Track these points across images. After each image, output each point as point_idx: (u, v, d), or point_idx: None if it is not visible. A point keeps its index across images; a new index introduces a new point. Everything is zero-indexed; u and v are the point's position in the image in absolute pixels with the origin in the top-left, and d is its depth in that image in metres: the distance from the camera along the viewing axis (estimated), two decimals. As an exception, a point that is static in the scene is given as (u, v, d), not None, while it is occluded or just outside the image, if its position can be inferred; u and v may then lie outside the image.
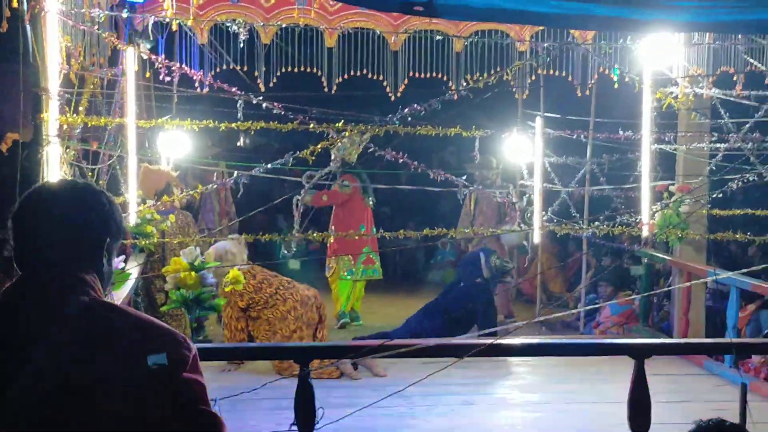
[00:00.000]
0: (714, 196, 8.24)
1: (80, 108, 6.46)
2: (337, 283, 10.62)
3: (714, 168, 8.51)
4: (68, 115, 5.93)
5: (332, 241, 10.15)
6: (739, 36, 7.99)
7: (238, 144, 16.44)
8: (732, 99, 8.29)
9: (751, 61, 8.17)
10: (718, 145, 8.34)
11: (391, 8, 3.88)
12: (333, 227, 10.29)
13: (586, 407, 7.07)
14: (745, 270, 6.43)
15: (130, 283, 6.93)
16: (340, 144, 9.15)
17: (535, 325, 9.99)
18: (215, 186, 7.82)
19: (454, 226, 11.43)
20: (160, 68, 6.86)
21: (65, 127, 5.75)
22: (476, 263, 9.63)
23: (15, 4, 5.19)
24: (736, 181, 7.73)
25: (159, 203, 7.19)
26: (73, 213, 2.28)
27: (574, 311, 10.08)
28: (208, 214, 10.48)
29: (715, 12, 3.69)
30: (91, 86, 7.00)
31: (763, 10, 3.66)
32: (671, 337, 8.95)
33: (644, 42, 7.87)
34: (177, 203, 8.44)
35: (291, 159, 6.13)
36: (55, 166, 5.33)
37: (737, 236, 8.28)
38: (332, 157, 9.76)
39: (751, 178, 7.64)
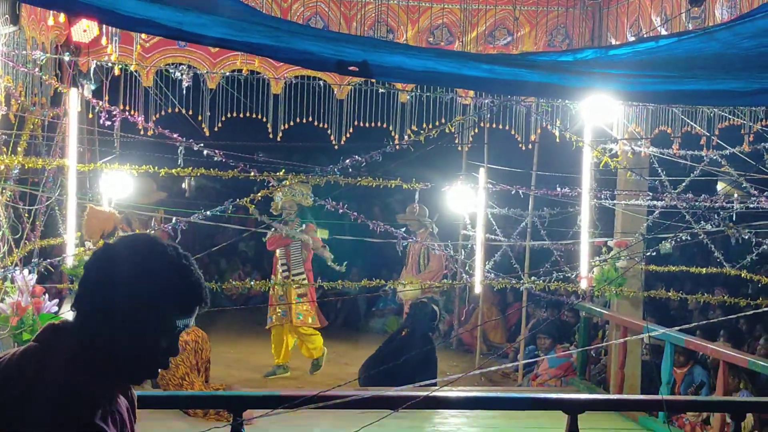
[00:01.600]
0: (649, 253, 8.38)
1: (18, 149, 6.38)
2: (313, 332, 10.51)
3: (651, 225, 8.66)
4: (6, 156, 5.86)
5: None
6: (676, 97, 8.18)
7: (183, 186, 16.34)
8: (669, 158, 8.47)
9: (688, 121, 8.37)
10: (655, 202, 8.49)
11: (326, 68, 3.92)
12: (310, 272, 10.33)
13: (521, 460, 7.10)
14: (678, 327, 6.52)
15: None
16: (297, 190, 9.22)
17: (474, 376, 10.03)
18: (152, 231, 7.75)
19: (395, 272, 11.47)
20: (101, 112, 6.81)
21: (2, 168, 5.67)
22: (431, 314, 9.67)
23: (-45, 44, 5.15)
24: (670, 240, 7.87)
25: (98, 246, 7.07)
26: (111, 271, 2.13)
27: (511, 365, 10.13)
28: None
29: (645, 82, 3.78)
30: (31, 126, 6.92)
31: (692, 81, 3.76)
32: (608, 389, 9.03)
33: (584, 100, 8.02)
34: None
35: (231, 206, 6.12)
36: (-11, 208, 5.26)
37: (670, 294, 8.42)
38: (286, 205, 9.81)
39: (684, 237, 7.79)
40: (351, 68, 3.10)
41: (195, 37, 3.07)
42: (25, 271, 5.67)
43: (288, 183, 6.51)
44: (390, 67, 3.18)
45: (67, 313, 7.00)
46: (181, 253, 2.18)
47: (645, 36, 7.10)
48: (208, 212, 6.17)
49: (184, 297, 2.16)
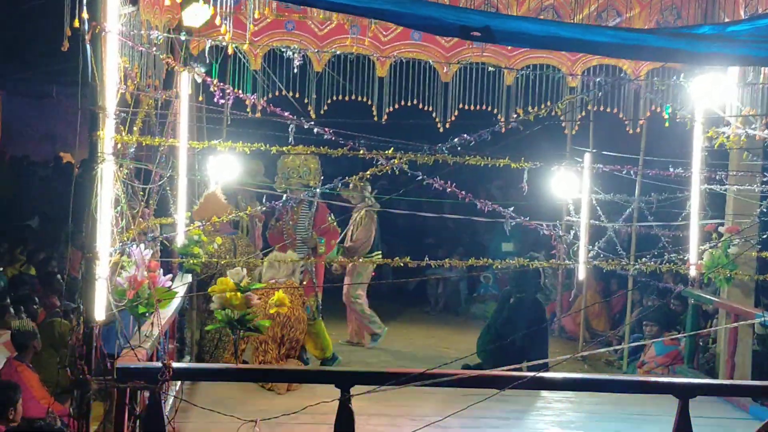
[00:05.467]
0: (764, 237, 8.14)
1: (134, 128, 6.56)
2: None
3: (765, 209, 8.41)
4: (123, 134, 6.03)
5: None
6: (795, 76, 7.91)
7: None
8: (786, 142, 8.21)
9: (806, 102, 8.08)
10: (770, 186, 8.25)
11: (449, 33, 3.91)
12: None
13: (627, 446, 7.00)
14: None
15: (176, 303, 7.01)
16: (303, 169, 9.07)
17: (577, 363, 9.92)
18: (262, 209, 7.90)
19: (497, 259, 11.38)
20: (215, 91, 6.96)
21: (119, 145, 5.84)
22: (535, 273, 9.50)
23: (76, 24, 5.31)
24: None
25: (208, 223, 7.25)
26: None
27: (618, 347, 9.97)
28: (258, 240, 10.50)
29: (773, 47, 3.67)
30: (146, 107, 7.11)
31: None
32: (717, 379, 8.82)
33: (697, 80, 7.82)
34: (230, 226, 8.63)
35: (339, 184, 6.19)
36: (108, 184, 5.40)
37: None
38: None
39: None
40: (474, 33, 3.10)
41: (321, 3, 3.09)
42: (141, 246, 5.83)
43: (396, 161, 6.52)
44: (512, 32, 3.16)
45: (180, 287, 7.20)
46: None
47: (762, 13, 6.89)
48: (317, 189, 6.24)
49: None
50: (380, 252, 10.73)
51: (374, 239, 10.77)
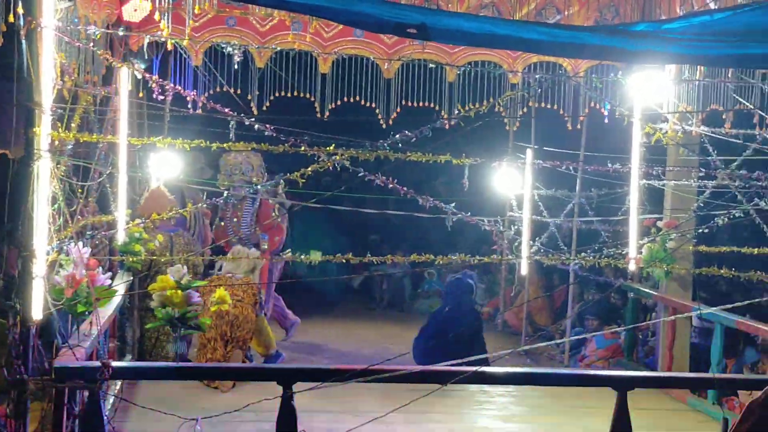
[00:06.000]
0: (700, 231, 8.30)
1: (72, 124, 6.47)
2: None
3: (701, 204, 8.58)
4: (60, 130, 5.94)
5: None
6: (729, 74, 8.07)
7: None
8: (720, 137, 8.37)
9: (740, 99, 8.25)
10: (705, 181, 8.41)
11: (384, 30, 3.93)
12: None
13: (568, 439, 7.08)
14: (729, 306, 6.45)
15: (116, 301, 6.93)
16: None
17: (519, 357, 10.02)
18: (204, 205, 7.85)
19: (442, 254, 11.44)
20: (154, 87, 6.89)
21: (57, 142, 5.75)
22: (468, 287, 9.64)
23: (11, 20, 5.22)
24: (722, 217, 7.79)
25: (149, 221, 7.19)
26: None
27: (560, 341, 10.10)
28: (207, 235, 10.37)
29: (704, 45, 3.75)
30: (84, 103, 7.01)
31: (753, 44, 3.72)
32: (656, 371, 8.97)
33: (635, 77, 7.94)
34: (172, 222, 8.53)
35: (282, 181, 6.17)
36: (45, 181, 5.33)
37: (722, 272, 8.31)
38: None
39: (737, 214, 7.69)
40: (409, 30, 3.12)
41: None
42: (80, 244, 5.75)
43: (338, 158, 6.52)
44: (448, 30, 3.18)
45: (120, 286, 7.11)
46: None
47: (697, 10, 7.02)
48: (259, 186, 6.22)
49: None
50: (290, 250, 10.59)
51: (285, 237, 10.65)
